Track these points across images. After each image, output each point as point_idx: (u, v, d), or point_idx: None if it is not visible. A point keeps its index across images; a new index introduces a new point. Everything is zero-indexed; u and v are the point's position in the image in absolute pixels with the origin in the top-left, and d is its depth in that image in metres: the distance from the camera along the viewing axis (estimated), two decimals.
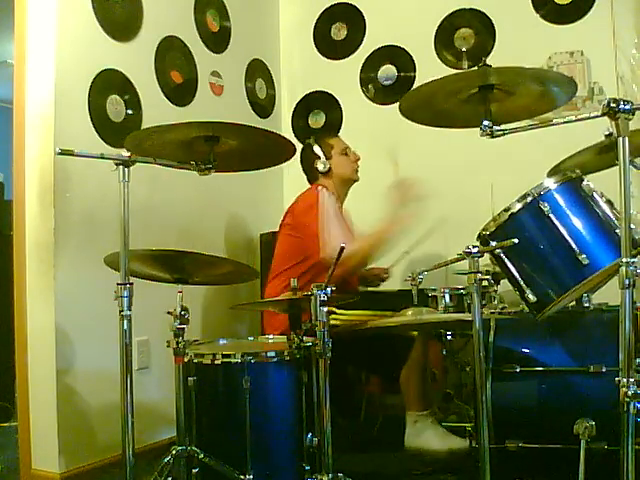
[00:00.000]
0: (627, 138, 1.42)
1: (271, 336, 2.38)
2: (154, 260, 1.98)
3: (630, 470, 1.38)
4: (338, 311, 2.57)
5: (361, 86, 3.72)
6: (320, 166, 2.91)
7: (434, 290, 2.42)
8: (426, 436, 2.48)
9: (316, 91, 3.84)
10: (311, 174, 2.99)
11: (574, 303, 2.20)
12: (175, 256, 1.94)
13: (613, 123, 1.44)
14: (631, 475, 1.38)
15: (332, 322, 1.93)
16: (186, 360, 1.96)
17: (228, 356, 1.94)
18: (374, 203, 3.57)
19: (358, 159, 2.98)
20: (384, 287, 3.15)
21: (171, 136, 1.84)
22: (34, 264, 2.48)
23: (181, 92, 3.11)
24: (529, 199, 1.76)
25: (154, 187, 2.81)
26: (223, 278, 2.29)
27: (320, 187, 2.85)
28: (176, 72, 3.09)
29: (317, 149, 2.93)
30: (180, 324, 1.93)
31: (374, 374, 3.10)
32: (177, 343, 1.92)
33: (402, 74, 3.62)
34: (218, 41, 3.39)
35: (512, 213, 1.77)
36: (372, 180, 3.62)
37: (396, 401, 2.60)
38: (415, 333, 2.51)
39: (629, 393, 1.38)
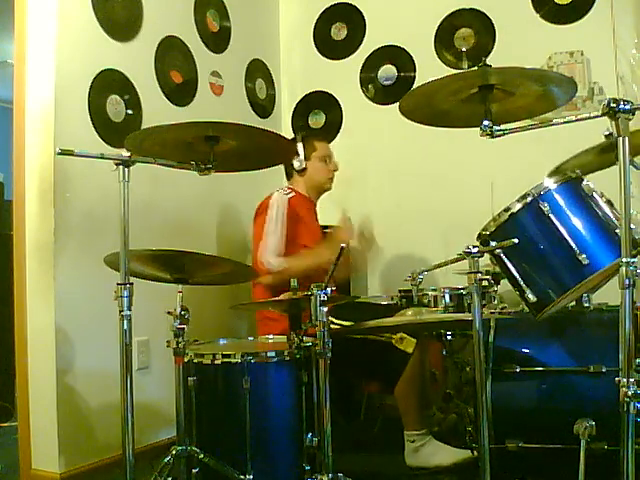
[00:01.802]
0: (627, 138, 1.42)
1: (271, 336, 2.38)
2: (154, 260, 1.98)
3: (630, 470, 1.38)
4: (336, 320, 2.58)
5: (361, 86, 3.71)
6: (296, 164, 2.94)
7: (434, 290, 2.42)
8: (425, 454, 2.49)
9: (316, 91, 3.83)
10: (287, 169, 3.02)
11: (574, 303, 2.20)
12: (175, 256, 1.94)
13: (613, 123, 1.44)
14: (631, 475, 1.38)
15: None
16: (186, 360, 1.96)
17: (228, 356, 1.94)
18: (370, 199, 3.61)
19: (335, 170, 3.00)
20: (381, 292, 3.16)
21: (171, 136, 1.84)
22: (34, 264, 2.48)
23: (181, 92, 3.11)
24: (529, 199, 1.76)
25: (154, 187, 2.81)
26: (223, 278, 2.29)
27: (281, 190, 2.86)
28: (176, 72, 3.09)
29: (300, 147, 2.94)
30: (180, 324, 1.93)
31: (370, 379, 3.11)
32: (177, 343, 1.93)
33: (402, 74, 3.62)
34: (218, 41, 3.38)
35: (512, 213, 1.76)
36: (370, 179, 3.65)
37: (395, 402, 2.60)
38: (410, 350, 2.52)
39: (629, 393, 1.38)
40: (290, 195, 2.84)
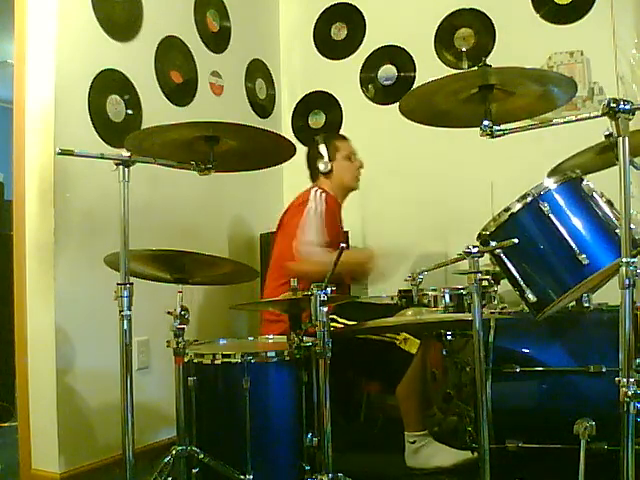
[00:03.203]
0: (627, 138, 1.42)
1: (271, 336, 2.38)
2: (154, 260, 1.98)
3: (630, 470, 1.38)
4: (340, 319, 2.58)
5: (361, 86, 3.71)
6: (321, 166, 2.91)
7: (434, 290, 2.42)
8: (425, 455, 2.49)
9: (316, 91, 3.83)
10: (313, 172, 2.99)
11: (574, 303, 2.20)
12: (175, 256, 1.94)
13: (613, 123, 1.44)
14: (631, 475, 1.38)
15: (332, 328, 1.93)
16: (186, 360, 1.96)
17: (228, 356, 1.94)
18: (370, 199, 3.60)
19: (361, 166, 2.97)
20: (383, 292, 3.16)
21: (171, 136, 1.84)
22: (34, 264, 2.48)
23: (181, 92, 3.11)
24: (529, 199, 1.76)
25: (154, 187, 2.81)
26: (223, 278, 2.29)
27: (317, 188, 2.85)
28: (176, 72, 3.09)
29: (322, 148, 2.92)
30: (180, 324, 1.93)
31: (372, 379, 3.11)
32: (177, 343, 1.93)
33: (402, 74, 3.62)
34: (218, 41, 3.39)
35: (512, 213, 1.77)
36: (370, 179, 3.65)
37: (396, 402, 2.60)
38: (414, 350, 2.52)
39: (629, 393, 1.38)
40: (325, 194, 2.83)
